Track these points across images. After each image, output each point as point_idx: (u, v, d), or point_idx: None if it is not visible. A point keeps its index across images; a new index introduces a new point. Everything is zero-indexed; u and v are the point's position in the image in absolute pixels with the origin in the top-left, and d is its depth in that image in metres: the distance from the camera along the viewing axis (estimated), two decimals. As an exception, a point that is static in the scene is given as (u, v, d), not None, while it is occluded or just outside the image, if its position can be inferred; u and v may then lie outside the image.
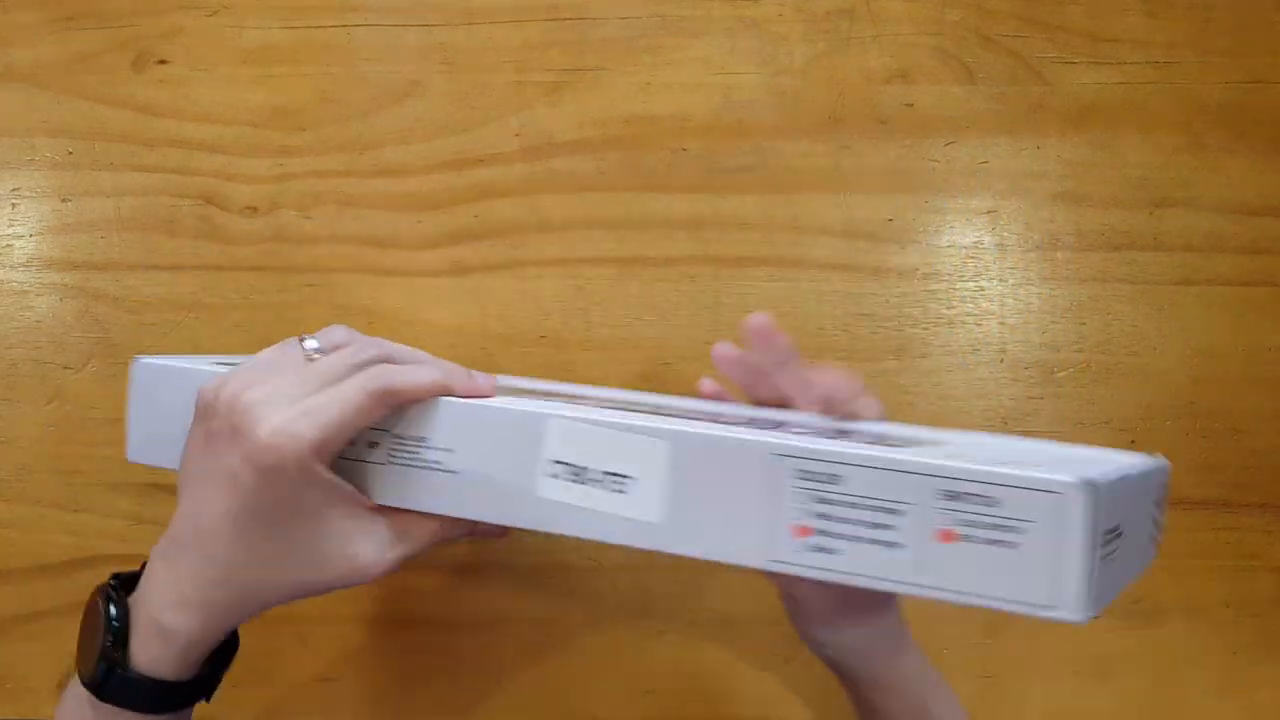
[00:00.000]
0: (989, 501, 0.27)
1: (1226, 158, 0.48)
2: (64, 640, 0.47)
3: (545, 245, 0.48)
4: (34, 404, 0.48)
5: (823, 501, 0.29)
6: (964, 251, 0.48)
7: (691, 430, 0.31)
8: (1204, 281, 0.47)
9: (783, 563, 0.30)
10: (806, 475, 0.29)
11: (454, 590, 0.48)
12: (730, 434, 0.30)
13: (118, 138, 0.48)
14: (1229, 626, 0.47)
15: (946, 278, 0.48)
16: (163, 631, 0.35)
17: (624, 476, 0.32)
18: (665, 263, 0.48)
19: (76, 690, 0.36)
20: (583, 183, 0.48)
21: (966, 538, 0.27)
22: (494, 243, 0.48)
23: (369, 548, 0.35)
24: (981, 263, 0.48)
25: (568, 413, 0.32)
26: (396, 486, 0.34)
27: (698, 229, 0.48)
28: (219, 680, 0.38)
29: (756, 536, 0.30)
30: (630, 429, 0.31)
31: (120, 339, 0.48)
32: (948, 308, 0.47)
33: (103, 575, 0.47)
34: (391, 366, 0.35)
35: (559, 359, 0.47)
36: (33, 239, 0.48)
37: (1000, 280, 0.48)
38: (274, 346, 0.36)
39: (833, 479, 0.29)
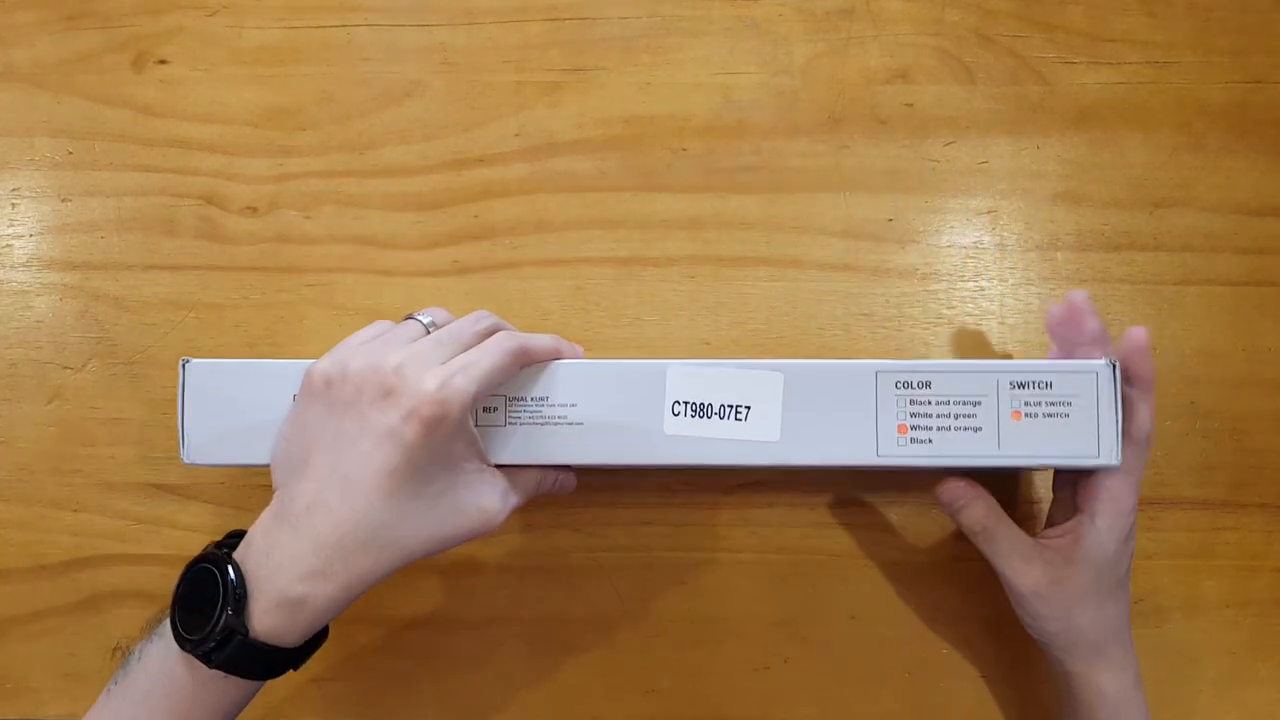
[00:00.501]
0: (1046, 385, 0.38)
1: (1226, 158, 0.48)
2: (64, 640, 0.47)
3: (545, 245, 0.48)
4: (34, 404, 0.48)
5: (917, 403, 0.38)
6: (964, 251, 0.48)
7: (801, 362, 0.38)
8: (1204, 281, 0.47)
9: (888, 457, 0.38)
10: (904, 384, 0.38)
11: (454, 590, 0.48)
12: (835, 361, 0.38)
13: (118, 138, 0.48)
14: (1229, 626, 0.47)
15: (946, 278, 0.48)
16: (294, 602, 0.35)
17: (743, 407, 0.38)
18: (665, 263, 0.48)
19: (163, 652, 0.36)
20: (583, 183, 0.48)
21: (1031, 415, 0.38)
22: (494, 243, 0.48)
23: (494, 497, 0.38)
24: (981, 263, 0.48)
25: (683, 360, 0.38)
26: (520, 444, 0.38)
27: (698, 229, 0.48)
28: (319, 644, 0.38)
29: (864, 439, 0.38)
30: (746, 367, 0.38)
31: (120, 339, 0.48)
32: (948, 308, 0.47)
33: (103, 575, 0.47)
34: (517, 331, 0.39)
35: (559, 359, 0.47)
36: (33, 239, 0.48)
37: (1000, 280, 0.48)
38: (371, 327, 0.39)
39: (925, 385, 0.38)
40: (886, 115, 0.48)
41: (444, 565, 0.48)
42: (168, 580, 0.43)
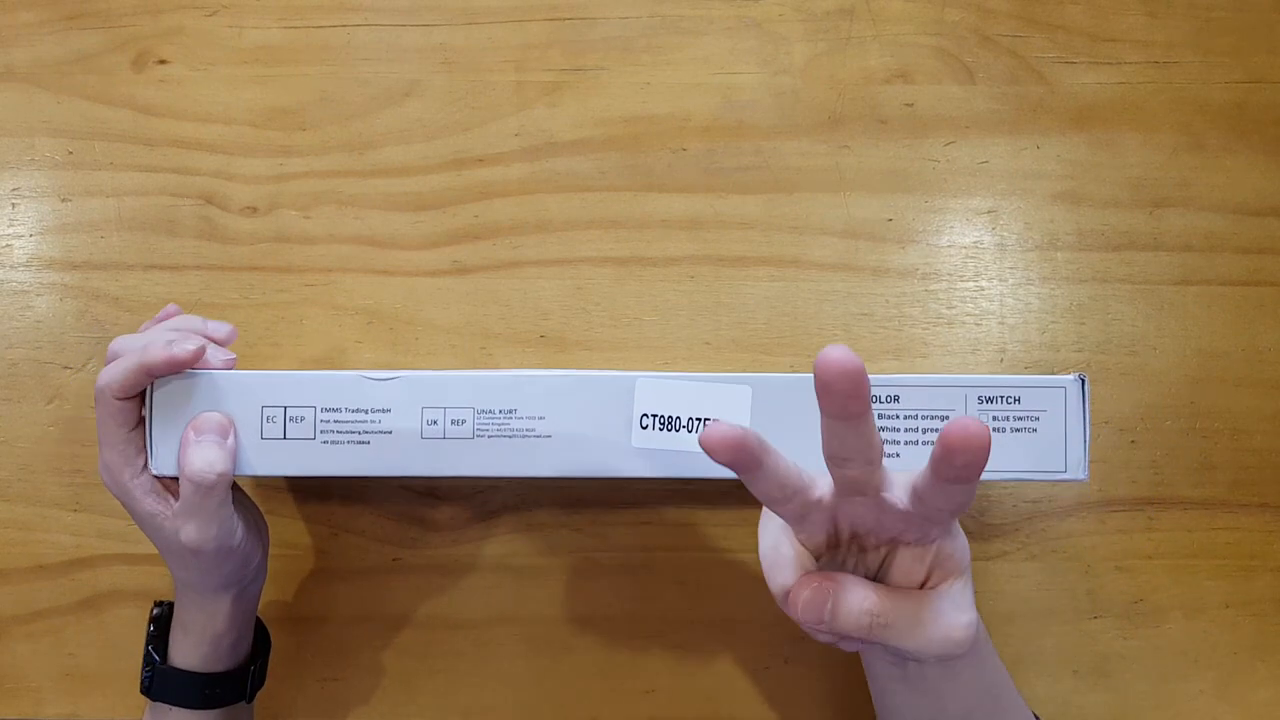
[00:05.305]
0: (1014, 400, 0.38)
1: (1226, 158, 0.48)
2: (64, 640, 0.47)
3: (545, 245, 0.48)
4: (34, 404, 0.48)
5: (884, 417, 0.38)
6: (964, 251, 0.48)
7: (769, 376, 0.38)
8: (1204, 281, 0.47)
9: None
10: (872, 399, 0.36)
11: (454, 590, 0.48)
12: (804, 375, 0.38)
13: (118, 138, 0.48)
14: (1229, 626, 0.47)
15: (946, 278, 0.48)
16: (182, 624, 0.40)
17: (711, 420, 0.36)
18: (665, 263, 0.48)
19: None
20: (583, 183, 0.48)
21: (999, 429, 0.38)
22: (494, 243, 0.48)
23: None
24: (981, 263, 0.48)
25: (652, 373, 0.38)
26: (487, 457, 0.38)
27: (698, 229, 0.48)
28: (252, 675, 0.43)
29: None
30: (714, 380, 0.38)
31: (120, 339, 0.48)
32: (948, 308, 0.47)
33: (103, 575, 0.47)
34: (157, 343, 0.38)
35: (559, 359, 0.47)
36: (33, 239, 0.48)
37: (1000, 280, 0.48)
38: None
39: (893, 399, 0.38)
40: (886, 115, 0.48)
41: (444, 565, 0.48)
42: (167, 580, 0.43)
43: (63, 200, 0.48)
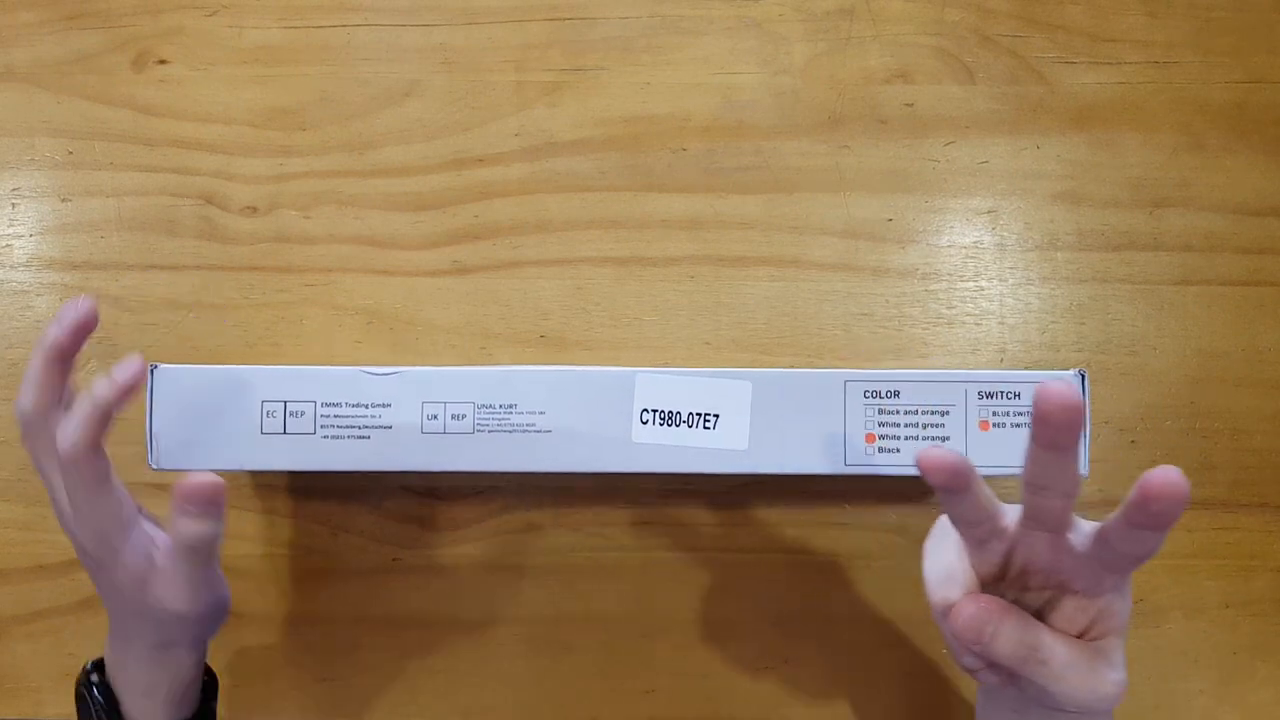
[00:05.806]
0: (1014, 395, 0.38)
1: (1226, 158, 0.48)
2: (64, 640, 0.47)
3: (545, 245, 0.48)
4: (34, 404, 0.48)
5: (885, 412, 0.38)
6: (964, 251, 0.48)
7: (769, 371, 0.39)
8: (1204, 281, 0.47)
9: (856, 465, 0.38)
10: (873, 394, 0.38)
11: (454, 590, 0.48)
12: (804, 371, 0.39)
13: (118, 138, 0.48)
14: (1229, 626, 0.47)
15: (946, 278, 0.48)
16: (135, 686, 0.38)
17: (712, 415, 0.38)
18: (665, 263, 0.48)
19: None
20: (583, 183, 0.48)
21: (999, 425, 0.38)
22: (494, 243, 0.48)
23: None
24: (981, 263, 0.48)
25: (652, 369, 0.39)
26: (487, 452, 0.38)
27: (698, 229, 0.48)
28: (210, 714, 0.41)
29: (832, 448, 0.38)
30: (714, 375, 0.38)
31: (120, 339, 0.48)
32: (948, 308, 0.47)
33: (103, 575, 0.47)
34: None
35: (559, 359, 0.47)
36: (33, 239, 0.48)
37: (1000, 280, 0.48)
38: None
39: (894, 394, 0.38)
40: (886, 115, 0.48)
41: (444, 565, 0.48)
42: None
43: (63, 200, 0.48)
